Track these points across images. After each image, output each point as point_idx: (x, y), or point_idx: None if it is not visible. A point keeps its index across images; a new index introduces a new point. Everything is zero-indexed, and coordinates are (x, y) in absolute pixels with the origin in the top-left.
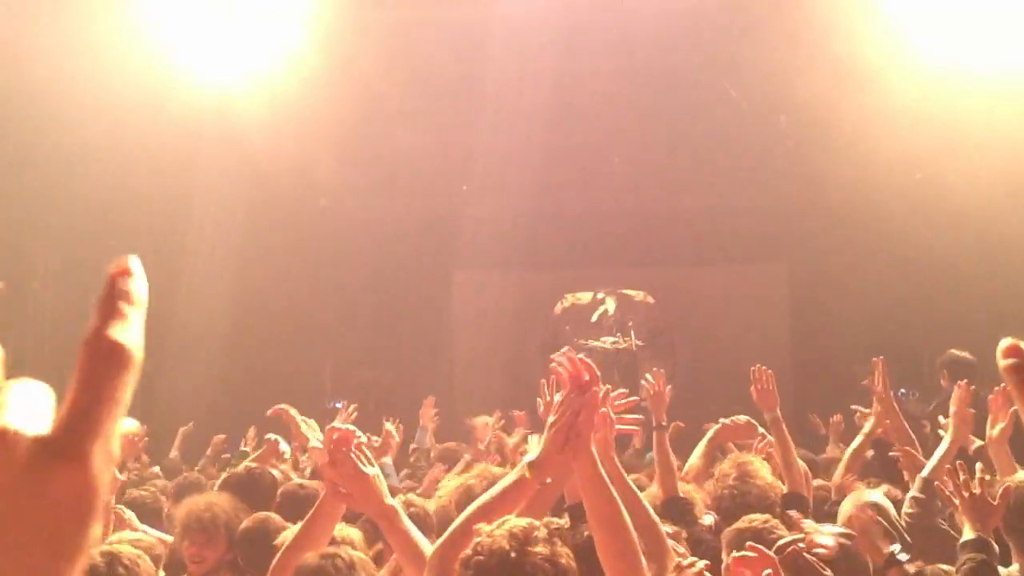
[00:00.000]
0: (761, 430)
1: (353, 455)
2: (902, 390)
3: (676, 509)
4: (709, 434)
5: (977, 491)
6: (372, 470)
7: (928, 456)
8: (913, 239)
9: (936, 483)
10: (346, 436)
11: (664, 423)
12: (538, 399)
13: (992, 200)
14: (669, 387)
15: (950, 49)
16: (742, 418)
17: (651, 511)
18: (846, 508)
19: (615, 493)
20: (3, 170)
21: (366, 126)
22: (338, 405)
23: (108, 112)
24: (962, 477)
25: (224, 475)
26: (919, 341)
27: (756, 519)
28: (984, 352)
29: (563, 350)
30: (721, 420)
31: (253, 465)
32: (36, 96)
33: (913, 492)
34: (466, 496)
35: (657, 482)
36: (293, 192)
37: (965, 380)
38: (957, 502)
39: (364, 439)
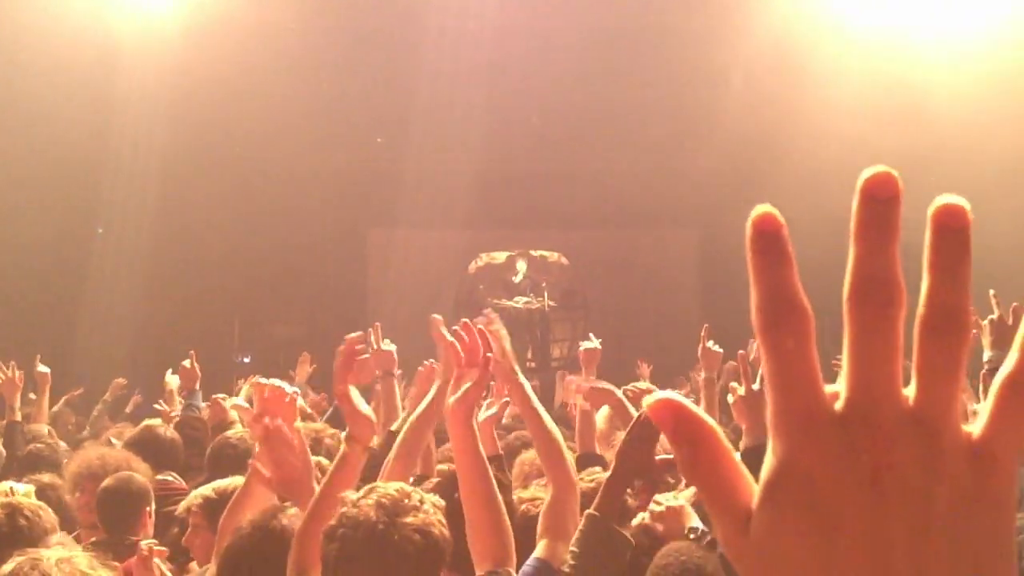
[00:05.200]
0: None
1: (285, 438)
2: None
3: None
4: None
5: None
6: (307, 460)
7: None
8: (826, 205)
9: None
10: (276, 395)
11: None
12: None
13: (908, 162)
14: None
15: (871, 9)
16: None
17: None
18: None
19: (489, 470)
20: None
21: (281, 75)
22: (246, 360)
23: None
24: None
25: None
26: (835, 307)
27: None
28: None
29: (485, 312)
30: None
31: (155, 423)
32: None
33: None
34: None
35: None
36: (205, 142)
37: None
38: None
39: (299, 397)
